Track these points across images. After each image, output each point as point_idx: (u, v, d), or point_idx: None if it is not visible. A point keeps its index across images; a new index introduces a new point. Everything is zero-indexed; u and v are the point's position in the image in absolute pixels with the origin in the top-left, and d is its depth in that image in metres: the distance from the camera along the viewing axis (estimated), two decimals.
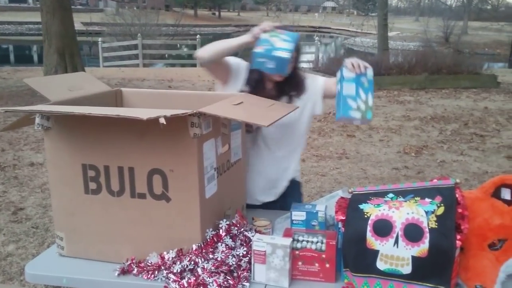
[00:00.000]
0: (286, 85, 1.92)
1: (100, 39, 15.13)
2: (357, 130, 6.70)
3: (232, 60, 1.96)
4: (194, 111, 1.36)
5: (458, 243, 1.30)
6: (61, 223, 1.58)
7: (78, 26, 12.83)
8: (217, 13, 58.33)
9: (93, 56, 18.34)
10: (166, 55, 17.68)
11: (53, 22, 8.80)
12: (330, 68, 11.33)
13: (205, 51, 1.85)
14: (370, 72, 1.71)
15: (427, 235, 1.30)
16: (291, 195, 2.08)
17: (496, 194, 1.42)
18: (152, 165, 1.45)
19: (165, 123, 1.20)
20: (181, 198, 1.45)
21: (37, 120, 1.49)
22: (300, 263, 1.45)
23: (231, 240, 1.50)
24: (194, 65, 15.11)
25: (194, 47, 15.43)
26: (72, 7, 10.10)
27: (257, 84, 1.90)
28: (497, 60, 21.60)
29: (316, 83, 1.99)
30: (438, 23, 30.33)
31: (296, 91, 1.94)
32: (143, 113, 1.23)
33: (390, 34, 16.03)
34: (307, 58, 14.82)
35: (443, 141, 6.14)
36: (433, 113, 7.89)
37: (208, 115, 1.40)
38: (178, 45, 19.55)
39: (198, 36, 15.43)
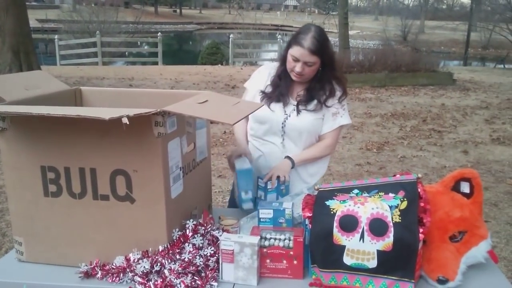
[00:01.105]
0: (311, 90, 1.96)
1: (56, 36, 14.67)
2: None
3: (252, 89, 2.08)
4: (158, 110, 1.33)
5: (421, 236, 1.34)
6: (19, 228, 1.51)
7: (33, 23, 12.39)
8: (178, 10, 57.67)
9: (49, 54, 17.76)
10: (126, 53, 17.32)
11: (6, 19, 8.45)
12: None
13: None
14: (288, 180, 1.91)
15: (392, 229, 1.33)
16: None
17: (456, 187, 1.47)
18: (115, 166, 1.41)
19: (128, 123, 1.17)
20: (146, 198, 1.42)
21: None
22: (268, 260, 1.45)
23: (199, 239, 1.48)
24: (155, 63, 14.90)
25: (155, 45, 15.21)
26: (27, 3, 9.72)
27: (278, 85, 1.98)
28: (453, 58, 22.39)
29: (336, 117, 2.00)
30: (397, 22, 31.20)
31: (325, 97, 1.97)
32: (105, 113, 1.19)
33: (350, 32, 16.32)
34: (270, 56, 14.92)
35: (403, 137, 6.31)
36: (393, 110, 8.09)
37: (172, 113, 1.37)
38: (139, 42, 19.22)
39: (159, 34, 15.23)
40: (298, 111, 1.95)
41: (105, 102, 1.87)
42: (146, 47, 19.29)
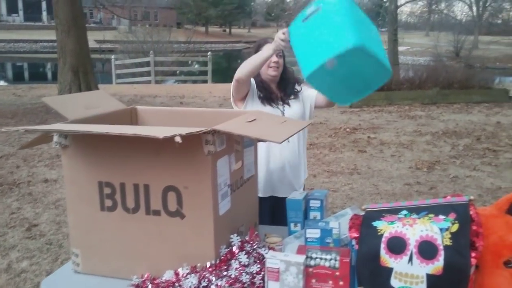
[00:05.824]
0: (285, 84, 2.37)
1: (113, 56, 15.34)
2: (368, 145, 6.68)
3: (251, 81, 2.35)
4: (209, 129, 1.38)
5: (473, 260, 1.29)
6: (77, 240, 1.60)
7: (91, 43, 13.07)
8: (227, 30, 58.91)
9: (105, 72, 18.55)
10: (178, 72, 17.86)
11: (68, 40, 8.98)
12: None
13: (242, 71, 2.14)
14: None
15: (442, 252, 1.30)
16: None
17: (511, 211, 1.41)
18: (167, 182, 1.47)
19: (180, 141, 1.23)
20: (195, 215, 1.47)
21: (55, 138, 1.53)
22: (313, 280, 1.44)
23: (245, 257, 1.51)
24: (205, 81, 15.27)
25: (205, 64, 15.59)
26: (86, 25, 10.29)
27: (265, 88, 2.33)
28: (509, 74, 21.42)
29: (309, 91, 2.39)
30: (449, 38, 30.32)
31: (297, 87, 2.39)
32: (159, 132, 1.25)
33: (400, 49, 16.09)
34: None
35: (456, 156, 6.09)
36: (445, 128, 7.84)
37: (222, 132, 1.42)
38: (189, 61, 19.75)
39: (209, 53, 15.60)
40: (288, 104, 2.34)
41: (159, 121, 1.95)
42: (196, 66, 19.79)
